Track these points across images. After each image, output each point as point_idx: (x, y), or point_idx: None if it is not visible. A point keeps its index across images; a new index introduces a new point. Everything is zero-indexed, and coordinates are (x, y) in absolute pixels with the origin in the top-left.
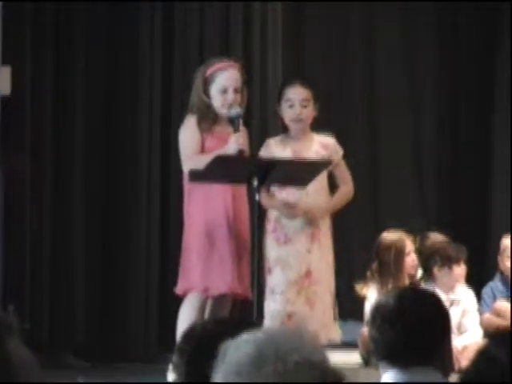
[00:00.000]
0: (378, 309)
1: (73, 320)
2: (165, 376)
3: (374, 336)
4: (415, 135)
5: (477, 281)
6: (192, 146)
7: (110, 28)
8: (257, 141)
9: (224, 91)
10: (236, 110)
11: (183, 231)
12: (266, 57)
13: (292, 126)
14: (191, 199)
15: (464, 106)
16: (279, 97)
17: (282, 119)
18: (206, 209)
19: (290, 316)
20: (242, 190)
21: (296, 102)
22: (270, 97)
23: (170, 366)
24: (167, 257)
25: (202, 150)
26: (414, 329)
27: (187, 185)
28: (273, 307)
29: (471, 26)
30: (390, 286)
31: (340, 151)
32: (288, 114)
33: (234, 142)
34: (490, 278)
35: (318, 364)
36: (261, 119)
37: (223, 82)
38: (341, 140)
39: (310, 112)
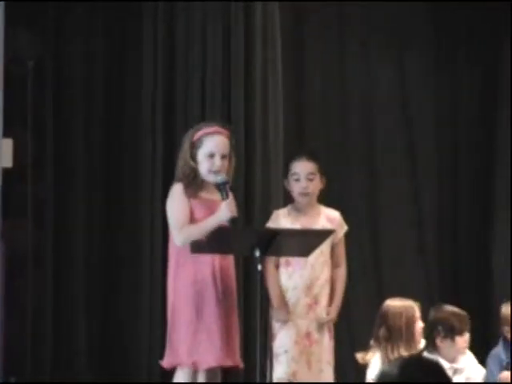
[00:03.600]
0: (383, 377)
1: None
2: None
3: None
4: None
5: (480, 346)
6: (181, 216)
7: (108, 89)
8: (259, 209)
9: (211, 156)
10: (222, 177)
11: (168, 303)
12: (267, 115)
13: (299, 200)
14: (179, 271)
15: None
16: (286, 170)
17: (288, 192)
18: (195, 280)
19: (294, 374)
20: (229, 258)
21: (302, 175)
22: (271, 167)
23: None
24: None
25: (191, 218)
26: None
27: (175, 256)
28: (279, 369)
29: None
30: (401, 350)
31: (344, 227)
32: (295, 187)
33: (226, 209)
34: (493, 343)
35: None
36: (263, 188)
37: (210, 148)
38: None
39: (316, 185)
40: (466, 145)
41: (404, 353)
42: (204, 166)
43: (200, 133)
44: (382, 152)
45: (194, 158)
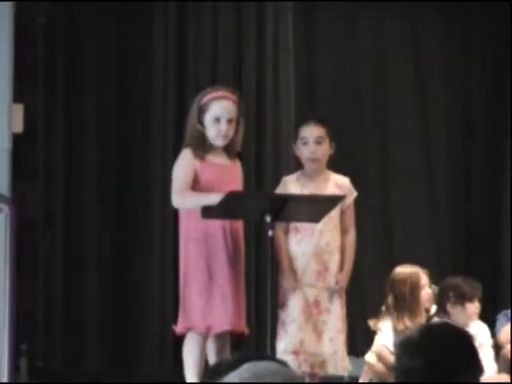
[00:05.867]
0: (404, 339)
1: (85, 355)
2: None
3: (398, 365)
4: (428, 163)
5: (490, 319)
6: (184, 179)
7: (121, 67)
8: (270, 176)
9: (217, 120)
10: None
11: (180, 268)
12: (277, 81)
13: (308, 165)
14: (190, 235)
15: (477, 152)
16: (295, 136)
17: (298, 158)
18: (206, 245)
19: (301, 343)
20: (239, 222)
21: (311, 139)
22: (283, 131)
23: None
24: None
25: (199, 181)
26: (437, 360)
27: (186, 220)
28: (285, 339)
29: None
30: (406, 319)
31: (354, 193)
32: (303, 152)
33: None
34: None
35: None
36: (274, 154)
37: (217, 112)
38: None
39: (325, 150)
40: (479, 109)
41: (408, 321)
42: (211, 131)
43: (207, 97)
44: (395, 119)
45: (201, 122)
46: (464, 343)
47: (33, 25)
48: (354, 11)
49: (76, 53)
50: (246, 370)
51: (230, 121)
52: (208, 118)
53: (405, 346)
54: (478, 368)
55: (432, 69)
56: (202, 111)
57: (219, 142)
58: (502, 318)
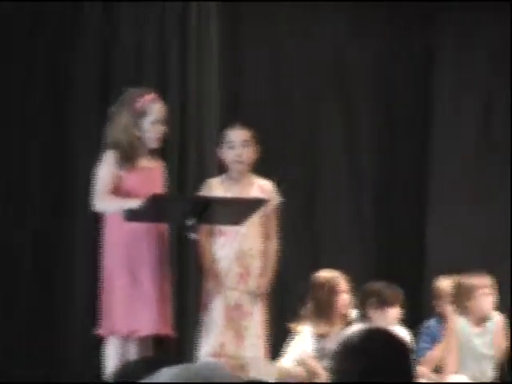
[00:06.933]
0: (345, 343)
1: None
2: None
3: (336, 369)
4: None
5: (410, 323)
6: (105, 184)
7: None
8: (193, 179)
9: (157, 123)
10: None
11: (103, 270)
12: (202, 83)
13: (233, 167)
14: (113, 237)
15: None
16: (220, 139)
17: (222, 161)
18: (129, 248)
19: (222, 345)
20: (163, 225)
21: (237, 143)
22: (206, 136)
23: None
24: None
25: (123, 186)
26: (377, 365)
27: (109, 221)
28: (207, 341)
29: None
30: (323, 324)
31: (277, 198)
32: (229, 155)
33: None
34: (423, 320)
35: None
36: (197, 157)
37: (157, 114)
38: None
39: (250, 153)
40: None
41: (325, 326)
42: (151, 133)
43: (144, 100)
44: (320, 126)
45: (137, 126)
46: (401, 349)
47: None
48: (282, 13)
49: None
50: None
51: (165, 122)
52: (147, 121)
53: (345, 350)
54: (412, 373)
55: (358, 70)
56: (139, 115)
57: (157, 145)
58: (424, 337)
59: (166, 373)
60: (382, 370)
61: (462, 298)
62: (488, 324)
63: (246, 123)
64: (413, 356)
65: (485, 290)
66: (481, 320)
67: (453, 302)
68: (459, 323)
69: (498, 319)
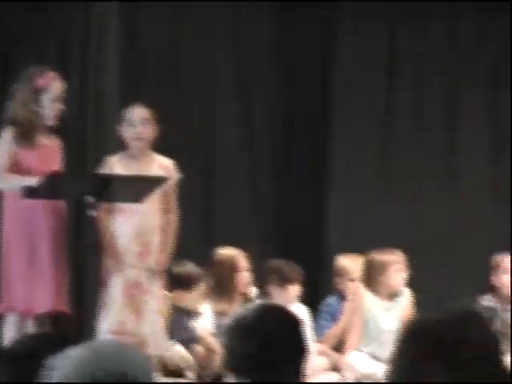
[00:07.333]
0: (238, 321)
1: None
2: None
3: (229, 347)
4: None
5: (310, 301)
6: (3, 160)
7: None
8: (93, 156)
9: (56, 100)
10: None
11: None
12: (103, 62)
13: (133, 145)
14: (9, 215)
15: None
16: (120, 117)
17: (122, 139)
18: (27, 225)
19: (122, 324)
20: (61, 203)
21: (137, 120)
22: (107, 114)
23: None
24: None
25: (21, 165)
26: (271, 344)
27: (5, 199)
28: (107, 319)
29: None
30: (223, 302)
31: (177, 175)
32: (129, 132)
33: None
34: (322, 298)
35: (141, 379)
36: (97, 135)
37: (57, 92)
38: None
39: (150, 131)
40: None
41: (225, 304)
42: (49, 110)
43: (45, 78)
44: (218, 101)
45: (36, 102)
46: (295, 326)
47: None
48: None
49: None
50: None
51: (63, 101)
52: (47, 98)
53: (238, 329)
54: (306, 351)
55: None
56: (39, 91)
57: (54, 122)
58: (324, 314)
59: (72, 354)
60: (275, 347)
61: (374, 273)
62: (397, 299)
63: (146, 103)
64: (308, 333)
65: (397, 266)
66: (391, 296)
67: (364, 278)
68: (367, 299)
69: (407, 294)
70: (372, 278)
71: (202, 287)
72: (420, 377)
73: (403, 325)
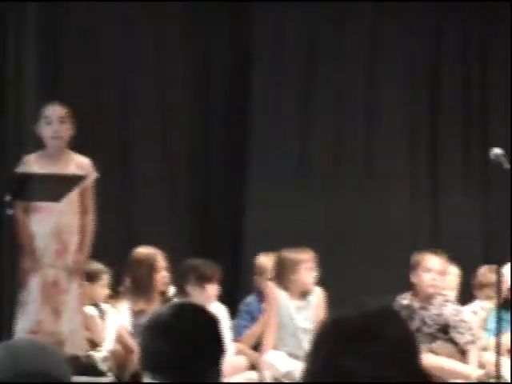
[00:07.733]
0: (154, 319)
1: None
2: None
3: (145, 346)
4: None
5: (229, 300)
6: None
7: None
8: (10, 155)
9: None
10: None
11: None
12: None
13: (50, 143)
14: None
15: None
16: (38, 115)
17: (40, 138)
18: None
19: (39, 322)
20: None
21: (54, 118)
22: (26, 111)
23: None
24: None
25: None
26: (185, 343)
27: None
28: (24, 318)
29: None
30: (141, 301)
31: (94, 174)
32: (47, 131)
33: None
34: (242, 296)
35: (58, 378)
36: (15, 133)
37: None
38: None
39: (67, 129)
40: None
41: (142, 303)
42: None
43: None
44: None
45: None
46: (212, 325)
47: None
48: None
49: None
50: None
51: None
52: None
53: (153, 327)
54: (223, 350)
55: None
56: None
57: None
58: (244, 314)
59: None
60: (190, 345)
61: (284, 271)
62: (309, 298)
63: (64, 101)
64: (227, 332)
65: (308, 264)
66: (302, 294)
67: (275, 277)
68: (280, 298)
69: (318, 293)
70: (283, 276)
71: (104, 281)
72: (334, 374)
73: (318, 323)
